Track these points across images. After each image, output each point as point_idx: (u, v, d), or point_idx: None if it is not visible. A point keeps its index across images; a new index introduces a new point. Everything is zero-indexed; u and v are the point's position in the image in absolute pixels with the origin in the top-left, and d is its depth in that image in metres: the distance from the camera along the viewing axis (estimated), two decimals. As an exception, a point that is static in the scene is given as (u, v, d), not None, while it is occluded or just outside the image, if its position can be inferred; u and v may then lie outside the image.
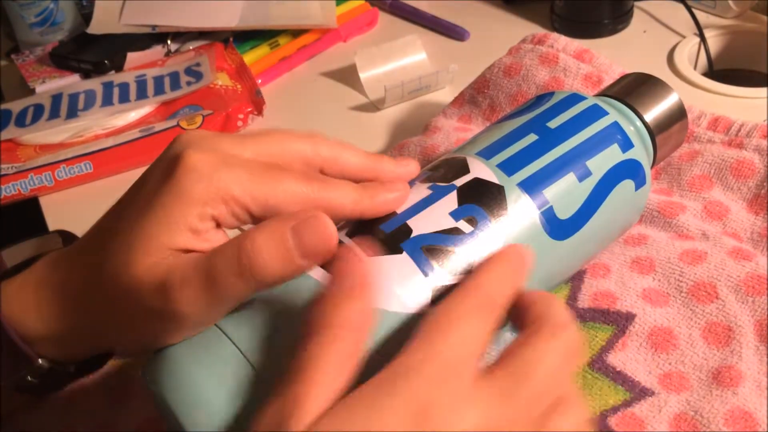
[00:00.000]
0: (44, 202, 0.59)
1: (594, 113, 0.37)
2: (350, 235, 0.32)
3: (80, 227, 0.36)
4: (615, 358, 0.36)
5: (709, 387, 0.35)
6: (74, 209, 0.58)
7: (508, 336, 0.37)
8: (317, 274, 0.29)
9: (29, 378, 0.32)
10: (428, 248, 0.31)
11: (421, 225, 0.31)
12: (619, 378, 0.36)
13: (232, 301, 0.28)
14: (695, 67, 0.66)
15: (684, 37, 0.68)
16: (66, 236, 0.34)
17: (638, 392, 0.35)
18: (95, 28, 0.76)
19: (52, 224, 0.57)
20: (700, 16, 0.68)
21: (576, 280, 0.40)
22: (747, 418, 0.33)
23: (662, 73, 0.63)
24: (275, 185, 0.29)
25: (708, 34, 0.66)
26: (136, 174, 0.31)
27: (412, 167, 0.34)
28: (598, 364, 0.36)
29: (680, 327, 0.37)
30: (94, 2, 0.78)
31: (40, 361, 0.31)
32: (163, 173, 0.28)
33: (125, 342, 0.31)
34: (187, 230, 0.28)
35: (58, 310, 0.30)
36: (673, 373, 0.36)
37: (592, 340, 0.37)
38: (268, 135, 0.31)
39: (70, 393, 0.39)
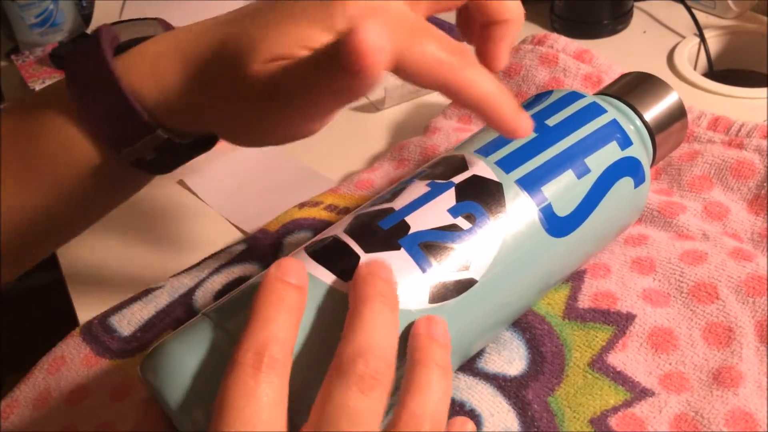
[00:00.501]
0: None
1: (592, 111, 0.37)
2: (348, 231, 0.32)
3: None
4: (615, 359, 0.36)
5: (710, 387, 0.35)
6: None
7: (508, 335, 0.37)
8: (320, 273, 0.29)
9: (148, 150, 0.33)
10: (426, 245, 0.31)
11: (419, 222, 0.31)
12: (619, 378, 0.36)
13: (327, 102, 0.30)
14: (695, 68, 0.66)
15: (684, 37, 0.68)
16: (166, 25, 0.36)
17: (639, 392, 0.35)
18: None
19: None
20: (700, 16, 0.68)
21: (576, 280, 0.40)
22: (747, 419, 0.33)
23: (662, 73, 0.63)
24: (416, 45, 0.28)
25: (708, 34, 0.66)
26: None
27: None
28: (599, 365, 0.36)
29: (681, 327, 0.37)
30: (94, 3, 0.78)
31: (159, 131, 0.32)
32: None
33: (232, 124, 0.33)
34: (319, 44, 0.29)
35: (180, 79, 0.32)
36: (673, 373, 0.36)
37: (593, 340, 0.37)
38: None
39: (70, 393, 0.39)
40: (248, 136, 0.33)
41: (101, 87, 0.32)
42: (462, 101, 0.29)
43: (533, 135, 0.35)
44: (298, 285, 0.27)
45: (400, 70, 0.28)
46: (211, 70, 0.31)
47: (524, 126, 0.30)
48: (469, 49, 0.30)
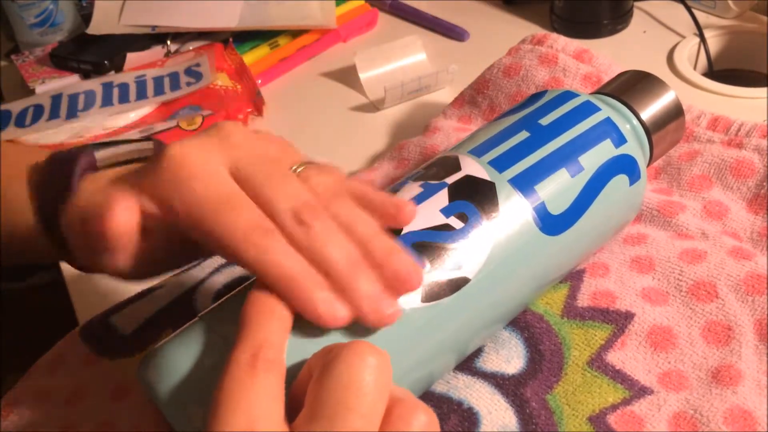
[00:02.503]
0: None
1: (586, 109, 0.37)
2: None
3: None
4: (614, 357, 0.36)
5: (709, 386, 0.35)
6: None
7: (506, 335, 0.37)
8: None
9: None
10: (419, 245, 0.31)
11: (412, 222, 0.31)
12: (618, 377, 0.36)
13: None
14: (695, 68, 0.66)
15: (684, 37, 0.68)
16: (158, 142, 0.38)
17: (637, 391, 0.35)
18: (95, 28, 0.76)
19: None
20: (700, 16, 0.68)
21: (575, 279, 0.40)
22: (746, 417, 0.33)
23: (662, 73, 0.63)
24: (221, 215, 0.28)
25: (708, 34, 0.66)
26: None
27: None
28: (598, 363, 0.36)
29: (680, 326, 0.37)
30: (93, 3, 0.78)
31: None
32: (157, 163, 0.29)
33: None
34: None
35: None
36: (672, 371, 0.36)
37: (592, 339, 0.37)
38: (275, 177, 0.29)
39: (70, 393, 0.39)
40: None
41: (61, 195, 0.33)
42: (263, 280, 0.27)
43: (526, 134, 0.35)
44: None
45: (202, 238, 0.28)
46: None
47: (330, 315, 0.27)
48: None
